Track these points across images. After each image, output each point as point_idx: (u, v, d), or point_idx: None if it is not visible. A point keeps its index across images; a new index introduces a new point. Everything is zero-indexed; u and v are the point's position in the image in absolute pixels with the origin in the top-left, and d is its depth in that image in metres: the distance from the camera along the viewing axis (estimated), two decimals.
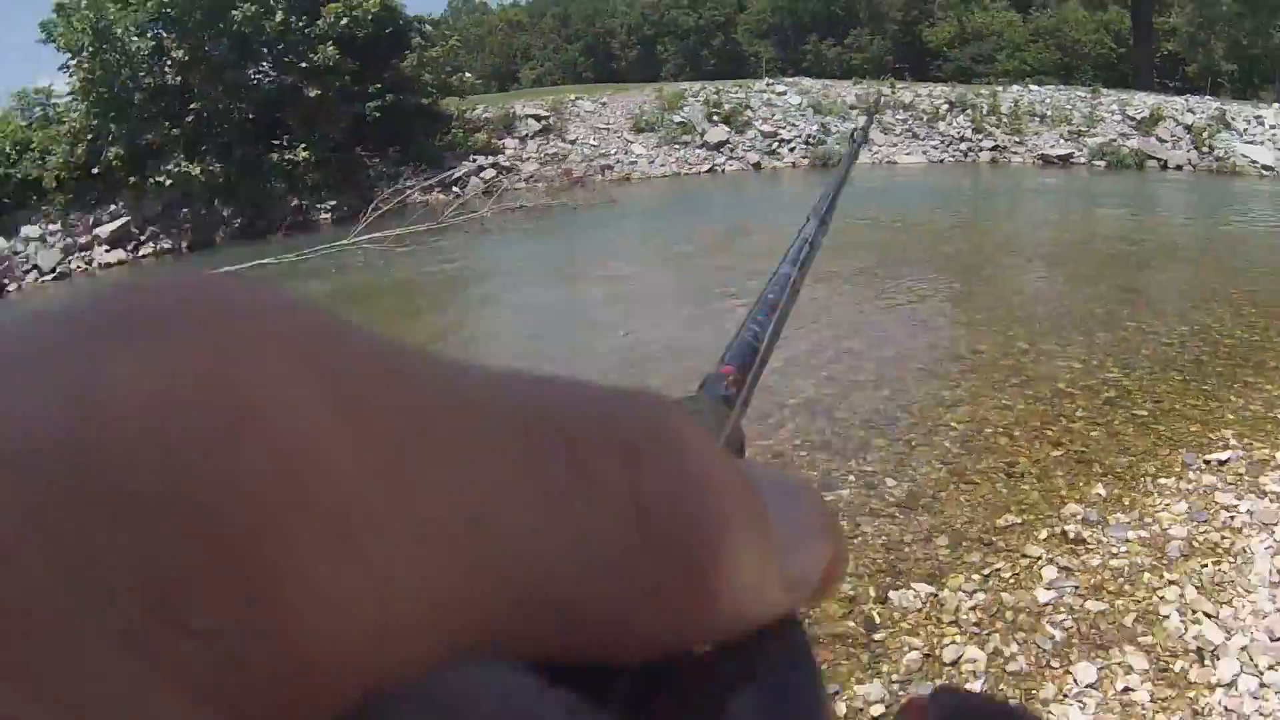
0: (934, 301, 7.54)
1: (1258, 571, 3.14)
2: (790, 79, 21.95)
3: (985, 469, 4.13)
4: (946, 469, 4.15)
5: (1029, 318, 6.87)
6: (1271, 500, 3.69)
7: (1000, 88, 20.90)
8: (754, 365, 0.39)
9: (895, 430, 4.63)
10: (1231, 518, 3.58)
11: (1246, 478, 3.93)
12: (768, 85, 21.13)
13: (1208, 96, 24.93)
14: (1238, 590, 3.04)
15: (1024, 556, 3.37)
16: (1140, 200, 14.82)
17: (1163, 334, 6.19)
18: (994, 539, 3.51)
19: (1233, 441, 4.30)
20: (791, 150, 18.70)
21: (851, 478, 4.11)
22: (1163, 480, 3.95)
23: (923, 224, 11.43)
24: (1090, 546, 3.41)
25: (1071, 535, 3.48)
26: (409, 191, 14.55)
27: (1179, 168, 19.27)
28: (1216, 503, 3.72)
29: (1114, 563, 3.29)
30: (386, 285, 10.15)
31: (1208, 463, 4.08)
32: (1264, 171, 19.75)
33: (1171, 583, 3.12)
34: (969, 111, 18.84)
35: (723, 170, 18.43)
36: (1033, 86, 21.15)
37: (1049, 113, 19.38)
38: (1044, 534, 3.52)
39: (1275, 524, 3.48)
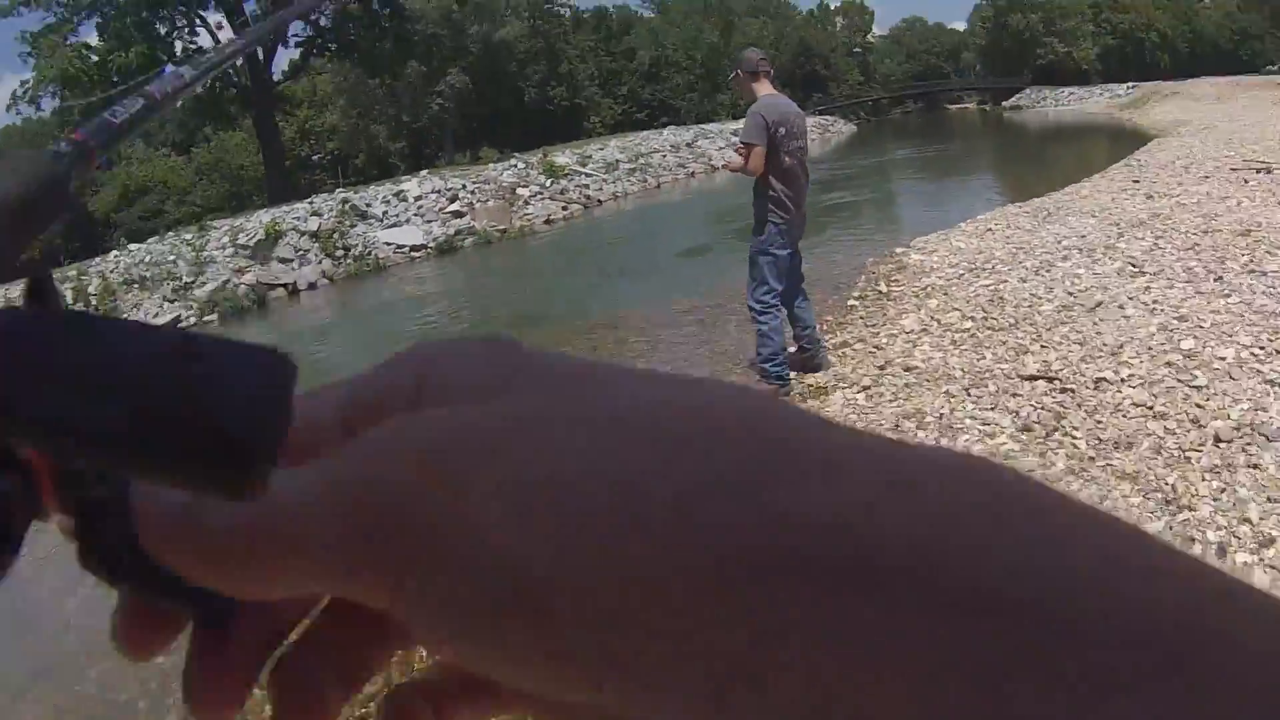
0: None
1: None
2: None
3: None
4: None
5: None
6: None
7: (100, 259, 19.58)
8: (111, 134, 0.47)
9: None
10: None
11: None
12: None
13: (340, 189, 24.76)
14: None
15: None
16: None
17: None
18: None
19: None
20: None
21: None
22: None
23: None
24: None
25: None
26: None
27: (313, 286, 17.88)
28: None
29: None
30: None
31: None
32: (413, 254, 18.92)
33: None
34: None
35: None
36: (131, 246, 19.95)
37: (149, 274, 18.37)
38: None
39: None
